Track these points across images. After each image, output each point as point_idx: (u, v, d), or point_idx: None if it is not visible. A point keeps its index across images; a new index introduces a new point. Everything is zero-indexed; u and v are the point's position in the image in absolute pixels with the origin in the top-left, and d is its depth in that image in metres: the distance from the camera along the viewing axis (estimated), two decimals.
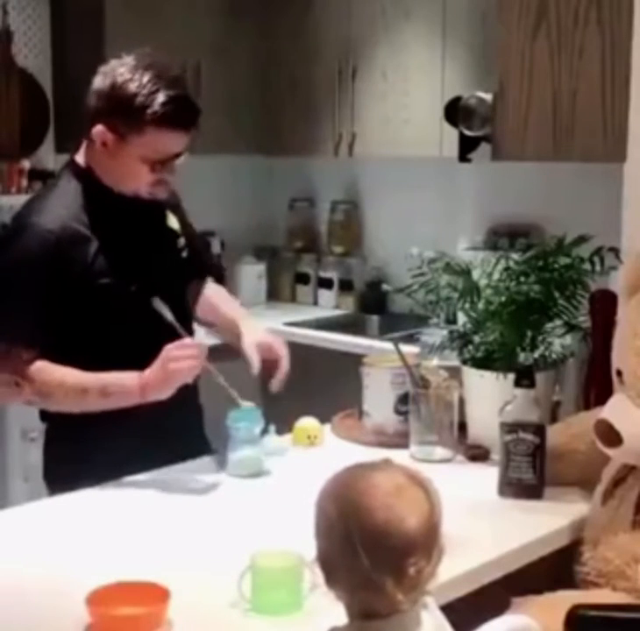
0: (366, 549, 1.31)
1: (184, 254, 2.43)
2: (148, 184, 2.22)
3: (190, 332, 2.38)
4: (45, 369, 2.19)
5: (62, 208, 2.22)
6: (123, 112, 2.13)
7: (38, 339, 2.19)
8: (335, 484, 1.39)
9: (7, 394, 2.29)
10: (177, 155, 2.21)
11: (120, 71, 2.15)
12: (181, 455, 2.28)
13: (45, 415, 2.36)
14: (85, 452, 2.25)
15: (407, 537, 1.31)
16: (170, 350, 2.13)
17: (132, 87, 2.12)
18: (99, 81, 2.18)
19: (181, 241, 2.42)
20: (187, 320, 2.41)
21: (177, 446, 2.29)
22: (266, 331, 2.46)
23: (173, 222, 2.42)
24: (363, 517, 1.32)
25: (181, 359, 2.12)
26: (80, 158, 2.27)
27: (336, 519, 1.34)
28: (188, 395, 2.27)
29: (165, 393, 2.14)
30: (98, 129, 2.17)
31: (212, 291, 2.56)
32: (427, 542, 1.33)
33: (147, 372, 2.15)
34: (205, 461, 2.32)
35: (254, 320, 2.50)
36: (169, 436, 2.26)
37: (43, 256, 2.16)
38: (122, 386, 2.17)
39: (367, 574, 1.31)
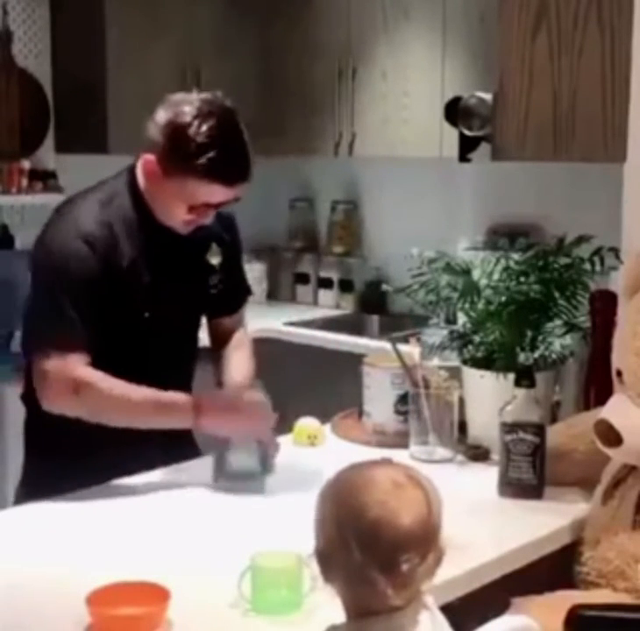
0: (359, 544, 1.32)
1: (214, 291, 2.38)
2: (182, 222, 2.19)
3: (191, 373, 2.39)
4: (99, 378, 2.13)
5: (104, 214, 2.18)
6: (173, 152, 2.10)
7: (89, 345, 2.14)
8: (335, 480, 1.40)
9: (67, 403, 2.13)
10: (219, 204, 2.18)
11: (183, 110, 2.11)
12: (168, 460, 2.26)
13: (30, 424, 2.33)
14: (68, 458, 2.20)
15: (399, 534, 1.32)
16: (247, 403, 2.18)
17: (189, 132, 2.08)
18: (161, 113, 2.14)
19: (215, 278, 2.37)
20: (191, 357, 2.41)
21: (165, 451, 2.26)
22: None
23: (214, 255, 2.36)
24: (357, 512, 1.33)
25: (248, 418, 2.17)
26: (138, 171, 2.22)
27: (331, 513, 1.36)
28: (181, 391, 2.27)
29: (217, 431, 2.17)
30: (148, 158, 2.14)
31: (234, 343, 2.47)
32: (421, 540, 1.34)
33: (206, 400, 2.16)
34: (204, 462, 2.32)
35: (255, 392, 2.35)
36: (156, 441, 2.22)
37: (86, 260, 2.12)
38: (175, 404, 2.15)
39: (360, 569, 1.32)
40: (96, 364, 2.15)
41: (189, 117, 2.09)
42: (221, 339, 2.48)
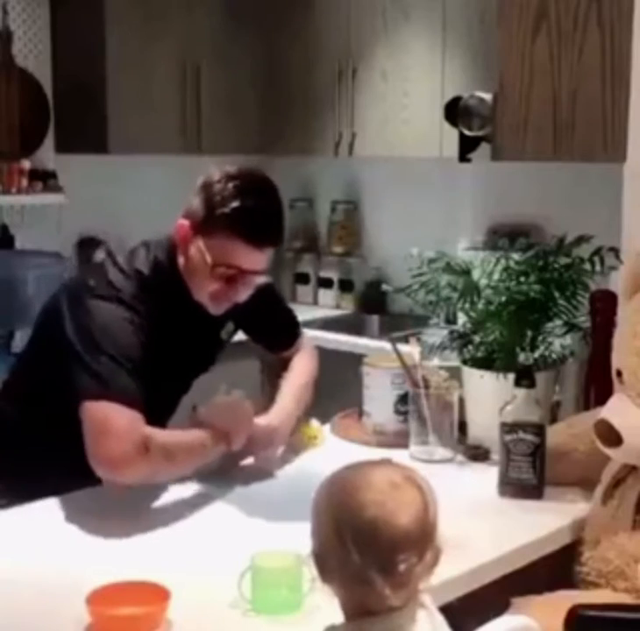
0: (356, 544, 1.32)
1: (214, 362, 2.39)
2: (210, 294, 2.13)
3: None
4: (153, 430, 2.01)
5: (146, 290, 2.13)
6: (201, 208, 2.09)
7: (142, 397, 2.02)
8: (331, 480, 1.40)
9: (139, 464, 1.95)
10: (244, 272, 2.11)
11: (217, 173, 2.10)
12: None
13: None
14: (39, 467, 2.16)
15: (396, 534, 1.32)
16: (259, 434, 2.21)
17: (216, 186, 2.08)
18: (198, 181, 2.14)
19: (220, 347, 2.38)
20: (168, 413, 2.35)
21: None
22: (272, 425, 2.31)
23: (226, 332, 2.36)
24: (354, 512, 1.33)
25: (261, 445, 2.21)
26: (180, 261, 2.17)
27: (328, 514, 1.36)
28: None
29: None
30: (182, 222, 2.13)
31: (294, 369, 2.53)
32: (418, 540, 1.34)
33: (218, 422, 2.14)
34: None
35: (282, 413, 2.36)
36: None
37: (133, 321, 2.07)
38: (211, 438, 2.11)
39: (357, 569, 1.32)
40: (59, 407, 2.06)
41: (218, 176, 2.10)
42: (278, 367, 2.54)
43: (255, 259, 2.11)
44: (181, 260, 2.16)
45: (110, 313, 2.06)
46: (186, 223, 2.12)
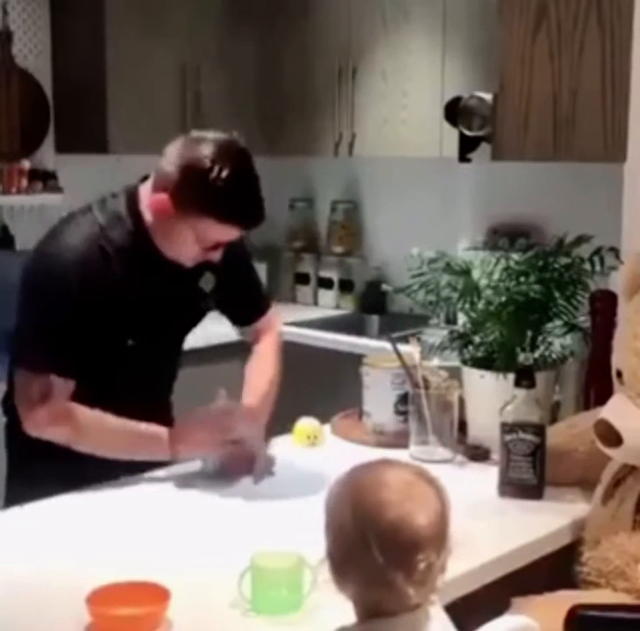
0: (380, 546, 1.32)
1: (202, 313, 2.40)
2: (191, 259, 2.20)
3: (171, 383, 2.41)
4: (79, 406, 2.14)
5: (101, 238, 2.16)
6: (191, 194, 2.09)
7: (73, 369, 2.14)
8: (345, 484, 1.40)
9: (46, 431, 2.13)
10: (225, 244, 2.20)
11: (203, 153, 2.08)
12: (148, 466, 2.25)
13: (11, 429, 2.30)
14: (54, 460, 2.17)
15: (418, 533, 1.33)
16: (224, 418, 2.20)
17: (209, 177, 2.07)
18: (176, 152, 2.11)
19: (206, 303, 2.38)
20: (174, 372, 2.42)
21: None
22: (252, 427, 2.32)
23: (207, 282, 2.35)
24: (376, 515, 1.33)
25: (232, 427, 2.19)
26: (142, 202, 2.19)
27: (349, 518, 1.35)
28: (159, 409, 2.29)
29: (196, 454, 2.21)
30: (160, 197, 2.12)
31: (253, 358, 2.50)
32: (436, 537, 1.35)
33: (180, 426, 2.20)
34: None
35: (256, 392, 2.40)
36: None
37: (74, 285, 2.10)
38: (154, 434, 2.17)
39: (380, 570, 1.32)
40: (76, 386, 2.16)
41: (209, 162, 2.07)
42: (250, 344, 2.53)
43: (241, 233, 2.21)
44: (148, 218, 2.17)
45: (55, 274, 2.11)
46: (165, 197, 2.11)
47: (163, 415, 2.29)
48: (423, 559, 1.33)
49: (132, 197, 2.20)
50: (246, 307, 2.52)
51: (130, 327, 2.21)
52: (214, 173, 2.06)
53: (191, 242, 2.16)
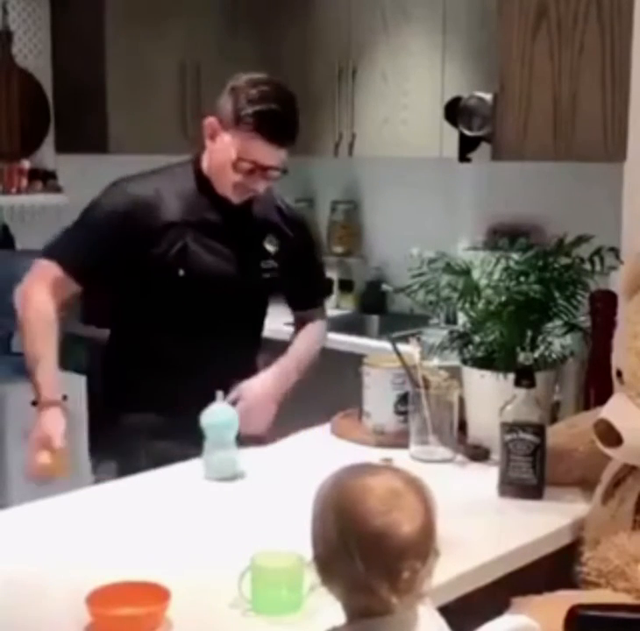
0: (362, 555, 1.31)
1: (267, 275, 2.55)
2: (233, 185, 2.41)
3: (249, 353, 2.61)
4: (46, 301, 2.33)
5: (156, 179, 2.47)
6: (231, 105, 2.38)
7: (79, 273, 2.36)
8: (330, 488, 1.38)
9: (18, 305, 2.35)
10: (263, 167, 2.40)
11: (243, 78, 2.41)
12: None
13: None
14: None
15: (402, 542, 1.31)
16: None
17: (244, 89, 2.38)
18: (228, 84, 2.43)
19: (270, 263, 2.55)
20: (248, 333, 2.62)
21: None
22: (262, 396, 2.48)
23: (270, 244, 2.56)
24: (359, 523, 1.32)
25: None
26: (205, 159, 2.47)
27: (331, 524, 1.34)
28: (221, 362, 2.43)
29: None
30: (210, 119, 2.42)
31: (302, 335, 2.71)
32: (422, 545, 1.33)
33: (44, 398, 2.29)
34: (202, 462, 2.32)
35: (281, 372, 2.57)
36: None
37: (123, 212, 2.38)
38: (37, 385, 2.28)
39: (362, 578, 1.31)
40: (135, 318, 2.47)
41: (244, 83, 2.39)
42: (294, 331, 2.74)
43: (273, 156, 2.41)
44: (205, 163, 2.46)
45: (105, 199, 2.44)
46: (214, 119, 2.42)
47: (229, 368, 2.43)
48: (407, 568, 1.31)
49: (196, 157, 2.50)
50: (302, 292, 2.70)
51: (177, 257, 2.40)
52: (249, 87, 2.37)
53: (230, 163, 2.37)
